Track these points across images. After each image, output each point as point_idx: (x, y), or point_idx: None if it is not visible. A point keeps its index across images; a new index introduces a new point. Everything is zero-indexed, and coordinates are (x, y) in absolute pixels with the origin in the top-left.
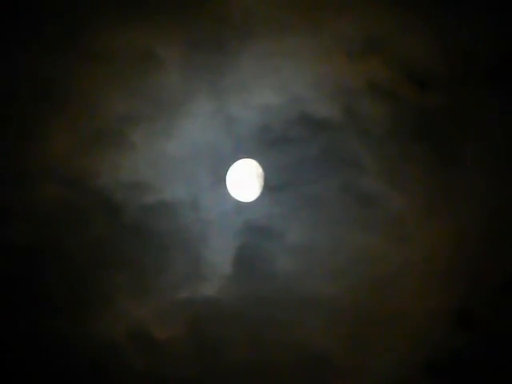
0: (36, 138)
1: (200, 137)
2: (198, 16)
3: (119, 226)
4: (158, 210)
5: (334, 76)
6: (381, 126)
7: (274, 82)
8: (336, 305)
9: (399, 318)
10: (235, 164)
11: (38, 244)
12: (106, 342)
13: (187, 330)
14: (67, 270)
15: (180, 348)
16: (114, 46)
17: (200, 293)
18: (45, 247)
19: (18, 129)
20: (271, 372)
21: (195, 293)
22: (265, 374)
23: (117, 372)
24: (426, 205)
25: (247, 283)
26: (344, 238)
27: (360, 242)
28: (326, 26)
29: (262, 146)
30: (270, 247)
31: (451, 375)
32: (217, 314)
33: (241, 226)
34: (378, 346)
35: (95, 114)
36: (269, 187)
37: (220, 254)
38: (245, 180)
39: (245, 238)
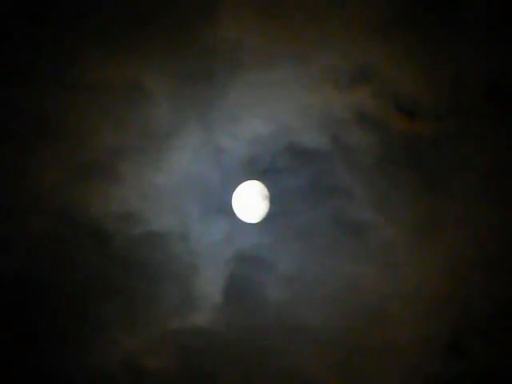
0: (25, 170)
1: (189, 168)
2: (187, 48)
3: (109, 257)
4: (147, 240)
5: (322, 106)
6: (369, 155)
7: (263, 112)
8: (327, 333)
9: (390, 346)
10: (241, 186)
11: (26, 275)
12: (97, 373)
13: (178, 359)
14: (57, 301)
15: (171, 378)
16: (102, 79)
17: (190, 322)
18: (34, 278)
19: (6, 161)
20: None
21: (186, 322)
22: None
23: None
24: (415, 233)
25: (238, 312)
26: (334, 266)
27: (350, 270)
28: (314, 57)
29: (251, 177)
30: (260, 277)
31: None
32: (207, 344)
33: (231, 255)
34: (369, 374)
35: (85, 145)
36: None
37: (210, 284)
38: (250, 202)
39: (235, 268)
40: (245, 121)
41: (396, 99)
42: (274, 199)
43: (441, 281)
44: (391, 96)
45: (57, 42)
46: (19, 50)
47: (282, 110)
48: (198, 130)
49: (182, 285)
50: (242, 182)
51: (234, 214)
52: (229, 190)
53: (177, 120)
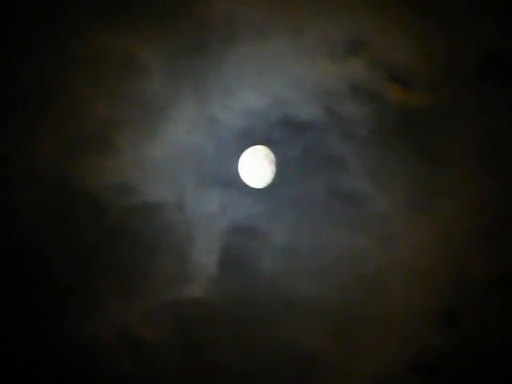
0: (21, 142)
1: (184, 139)
2: (181, 21)
3: (105, 229)
4: (143, 211)
5: (316, 78)
6: (363, 126)
7: (257, 84)
8: (322, 304)
9: (385, 317)
10: (246, 151)
11: (22, 247)
12: (93, 344)
13: (174, 330)
14: (53, 272)
15: (167, 349)
16: (98, 52)
17: (186, 294)
18: (30, 250)
19: (1, 133)
20: (258, 371)
21: (181, 294)
22: (252, 374)
23: (104, 373)
24: (410, 204)
25: (233, 283)
26: (329, 237)
27: (345, 241)
28: (308, 29)
29: (246, 148)
30: (255, 247)
31: (438, 374)
32: (203, 315)
33: (226, 226)
34: (365, 345)
35: (80, 118)
36: (251, 189)
37: (205, 255)
38: (257, 167)
39: (230, 239)
40: (239, 93)
41: (390, 70)
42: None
43: (437, 251)
44: (385, 67)
45: (53, 16)
46: (15, 24)
47: (276, 83)
48: (193, 102)
49: (178, 255)
50: (236, 153)
51: (229, 184)
52: (224, 160)
53: (172, 92)
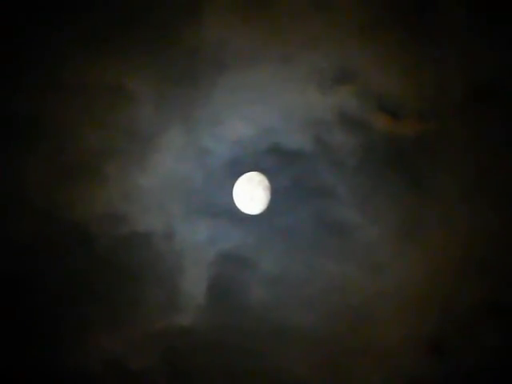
0: (10, 171)
1: (173, 169)
2: (170, 49)
3: (94, 258)
4: (132, 241)
5: (305, 107)
6: (353, 156)
7: (246, 113)
8: (311, 334)
9: (374, 346)
10: (240, 178)
11: (11, 275)
12: (82, 374)
13: (162, 360)
14: (41, 302)
15: (155, 378)
16: (87, 80)
17: (175, 323)
18: (18, 279)
19: None
20: None
21: (170, 323)
22: None
23: None
24: (399, 233)
25: (222, 313)
26: (317, 266)
27: (333, 270)
28: (297, 58)
29: (234, 178)
30: (244, 277)
31: None
32: (192, 344)
33: (215, 256)
34: (354, 374)
35: (69, 146)
36: (242, 217)
37: (195, 285)
38: (250, 193)
39: (219, 268)
40: (228, 122)
41: (379, 100)
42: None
43: (426, 281)
44: (374, 97)
45: (42, 45)
46: (4, 53)
47: (265, 112)
48: (182, 131)
49: (167, 285)
50: (226, 181)
51: (218, 213)
52: (213, 190)
53: (161, 121)
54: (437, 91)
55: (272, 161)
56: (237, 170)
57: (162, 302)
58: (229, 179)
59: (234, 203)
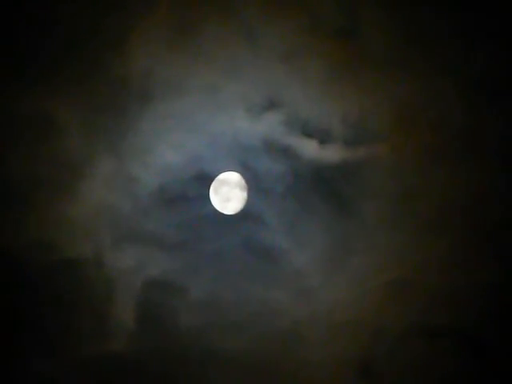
0: None
1: (101, 197)
2: (98, 80)
3: (24, 285)
4: (61, 268)
5: (232, 134)
6: (280, 182)
7: (173, 141)
8: (241, 358)
9: (303, 369)
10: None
11: None
12: None
13: None
14: None
15: None
16: (14, 111)
17: (105, 349)
18: None
19: None
20: None
21: (101, 349)
22: None
23: None
24: (327, 258)
25: (152, 338)
26: (246, 291)
27: (262, 295)
28: (225, 86)
29: (161, 205)
30: (173, 302)
31: None
32: (122, 370)
33: (144, 282)
34: None
35: None
36: (169, 245)
37: (124, 311)
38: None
39: (148, 294)
40: (156, 150)
41: (305, 127)
42: (184, 226)
43: (353, 305)
44: (301, 123)
45: None
46: None
47: (192, 139)
48: (110, 160)
49: (96, 311)
50: (152, 209)
51: (147, 240)
52: (140, 217)
53: (89, 150)
54: (361, 118)
55: (199, 187)
56: (164, 197)
57: (93, 328)
58: (156, 206)
59: (162, 230)
